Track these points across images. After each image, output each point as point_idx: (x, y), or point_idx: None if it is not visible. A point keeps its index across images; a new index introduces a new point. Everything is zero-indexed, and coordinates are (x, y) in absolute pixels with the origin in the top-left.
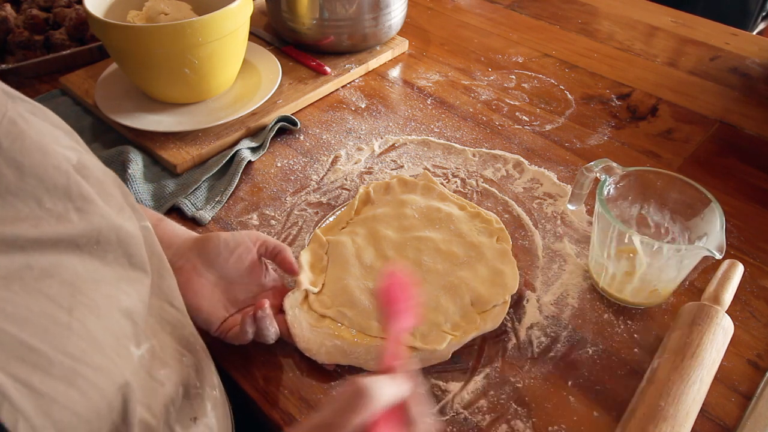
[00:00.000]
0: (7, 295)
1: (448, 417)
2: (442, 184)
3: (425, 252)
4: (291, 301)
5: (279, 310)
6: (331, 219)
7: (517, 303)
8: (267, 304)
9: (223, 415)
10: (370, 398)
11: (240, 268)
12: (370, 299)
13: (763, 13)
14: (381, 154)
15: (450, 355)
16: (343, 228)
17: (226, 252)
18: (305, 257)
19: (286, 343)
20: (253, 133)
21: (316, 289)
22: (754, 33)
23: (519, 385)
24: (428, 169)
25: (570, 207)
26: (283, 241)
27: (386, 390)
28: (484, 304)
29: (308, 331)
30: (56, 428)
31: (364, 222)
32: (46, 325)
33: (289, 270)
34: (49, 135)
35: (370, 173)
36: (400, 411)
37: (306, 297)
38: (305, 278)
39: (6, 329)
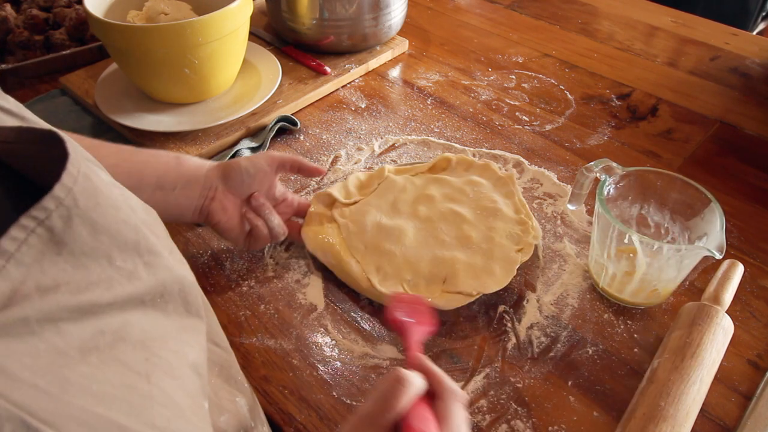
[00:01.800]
0: (89, 371)
1: None
2: None
3: (448, 222)
4: (318, 196)
5: (288, 219)
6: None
7: (517, 303)
8: (261, 196)
9: None
10: (410, 384)
11: (259, 189)
12: (377, 235)
13: (763, 13)
14: (381, 154)
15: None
16: (410, 174)
17: (249, 179)
18: (358, 176)
19: (285, 343)
20: (253, 133)
21: (342, 198)
22: (754, 33)
23: (519, 385)
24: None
25: (570, 207)
26: (283, 242)
27: (420, 379)
28: (453, 285)
29: (316, 225)
30: None
31: (428, 179)
32: (130, 399)
33: (315, 172)
34: (111, 184)
35: None
36: (429, 397)
37: (333, 203)
38: (340, 187)
39: (97, 412)
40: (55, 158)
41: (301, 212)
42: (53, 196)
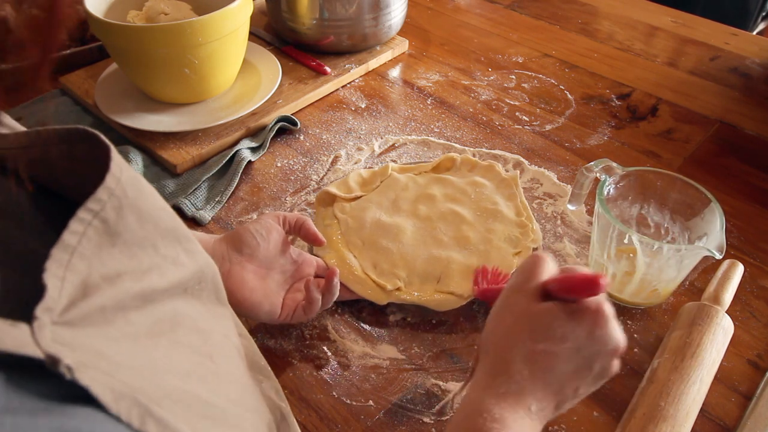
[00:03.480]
0: (164, 353)
1: (448, 417)
2: None
3: (447, 222)
4: (318, 196)
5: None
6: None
7: None
8: (337, 270)
9: None
10: (547, 258)
11: (276, 251)
12: (376, 232)
13: (763, 13)
14: (381, 154)
15: (385, 302)
16: (414, 173)
17: (263, 241)
18: (360, 172)
19: (285, 343)
20: (253, 133)
21: (342, 194)
22: (754, 33)
23: None
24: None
25: (570, 207)
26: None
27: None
28: (447, 285)
29: (317, 219)
30: None
31: (431, 178)
32: (205, 376)
33: (313, 240)
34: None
35: None
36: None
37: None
38: (339, 184)
39: (184, 388)
40: (78, 156)
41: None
42: (106, 187)
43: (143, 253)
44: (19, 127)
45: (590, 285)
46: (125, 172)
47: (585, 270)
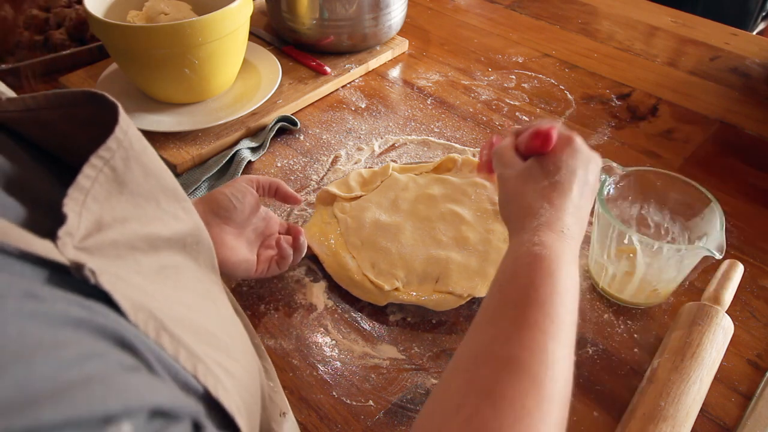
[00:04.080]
0: (172, 290)
1: None
2: None
3: (447, 222)
4: (319, 195)
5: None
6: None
7: None
8: (302, 230)
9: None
10: (502, 140)
11: (251, 213)
12: (375, 232)
13: (763, 13)
14: (381, 154)
15: (384, 303)
16: (415, 173)
17: (239, 204)
18: (360, 172)
19: (285, 343)
20: (253, 133)
21: (342, 193)
22: (754, 33)
23: None
24: None
25: None
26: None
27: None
28: (445, 285)
29: (317, 221)
30: (246, 410)
31: (431, 178)
32: (209, 313)
33: (291, 200)
34: None
35: None
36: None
37: (335, 200)
38: (339, 183)
39: (190, 316)
40: (81, 119)
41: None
42: (115, 138)
43: (147, 205)
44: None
45: (542, 137)
46: (131, 128)
47: (533, 128)
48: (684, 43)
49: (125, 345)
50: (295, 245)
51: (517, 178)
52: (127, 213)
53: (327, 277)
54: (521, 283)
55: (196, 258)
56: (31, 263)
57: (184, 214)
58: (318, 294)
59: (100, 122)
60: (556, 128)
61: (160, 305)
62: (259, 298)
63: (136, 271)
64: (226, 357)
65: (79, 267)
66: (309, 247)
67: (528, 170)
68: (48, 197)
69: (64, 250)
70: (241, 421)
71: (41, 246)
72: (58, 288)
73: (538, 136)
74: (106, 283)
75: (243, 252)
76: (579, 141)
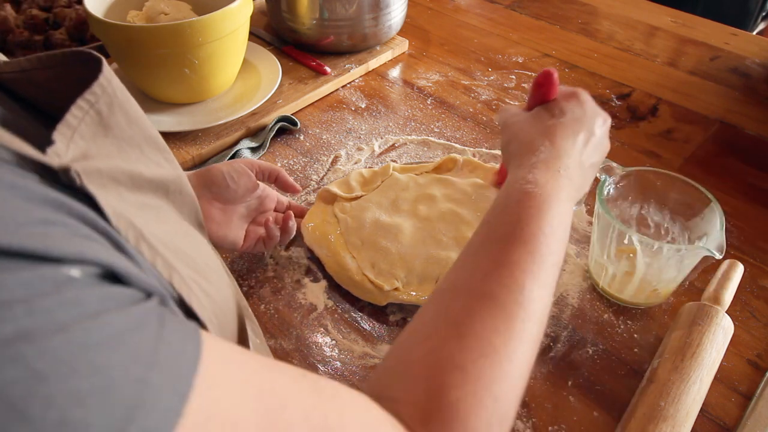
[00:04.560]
0: (150, 216)
1: None
2: None
3: (447, 222)
4: (320, 193)
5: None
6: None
7: None
8: (291, 214)
9: None
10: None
11: (245, 195)
12: (375, 232)
13: (763, 13)
14: (381, 154)
15: (384, 303)
16: (415, 173)
17: (232, 184)
18: (360, 172)
19: (285, 343)
20: (253, 133)
21: (343, 193)
22: (754, 33)
23: None
24: None
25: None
26: (284, 241)
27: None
28: None
29: (316, 220)
30: (219, 328)
31: (432, 179)
32: (189, 241)
33: (290, 189)
34: None
35: None
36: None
37: (335, 200)
38: (340, 183)
39: (167, 239)
40: (69, 78)
41: (297, 212)
42: (99, 84)
43: (131, 149)
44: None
45: (545, 76)
46: (114, 79)
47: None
48: (684, 43)
49: (100, 230)
50: (284, 227)
51: (521, 122)
52: (111, 152)
53: (327, 277)
54: (508, 219)
55: (180, 209)
56: (21, 167)
57: (166, 163)
58: (318, 294)
59: (89, 80)
60: (557, 74)
61: (140, 221)
62: (259, 298)
63: (119, 200)
64: (203, 278)
65: (66, 169)
66: (309, 248)
67: (534, 114)
68: (39, 141)
69: (52, 160)
70: (214, 333)
71: (32, 151)
72: (46, 185)
73: (542, 79)
74: (91, 185)
75: (230, 227)
76: (585, 94)
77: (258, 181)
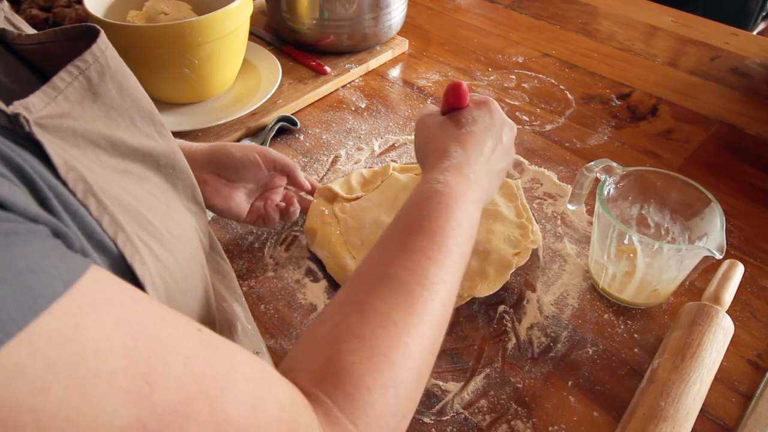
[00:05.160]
0: (123, 182)
1: (448, 417)
2: None
3: None
4: (320, 191)
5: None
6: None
7: (518, 303)
8: (295, 199)
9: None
10: (430, 107)
11: (251, 181)
12: (375, 232)
13: (763, 13)
14: (381, 154)
15: None
16: (415, 173)
17: (241, 170)
18: (361, 172)
19: (285, 343)
20: (253, 133)
21: (344, 193)
22: (754, 33)
23: (519, 386)
24: None
25: (570, 207)
26: (284, 241)
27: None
28: None
29: (316, 219)
30: (166, 292)
31: None
32: (155, 209)
33: (301, 187)
34: None
35: None
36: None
37: (335, 199)
38: (342, 183)
39: (131, 203)
40: (81, 50)
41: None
42: (91, 53)
43: (121, 118)
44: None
45: (455, 91)
46: (110, 50)
47: (447, 87)
48: (684, 43)
49: (22, 173)
50: (285, 210)
51: (436, 125)
52: (97, 118)
53: (327, 277)
54: (417, 213)
55: (174, 183)
56: None
57: (158, 137)
58: (318, 294)
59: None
60: (466, 84)
61: (100, 181)
62: (259, 298)
63: (94, 161)
64: (158, 244)
65: (16, 115)
66: (309, 249)
67: (447, 119)
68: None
69: (16, 109)
70: (153, 294)
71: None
72: None
73: (451, 91)
74: (41, 136)
75: (234, 201)
76: (495, 104)
77: (266, 171)
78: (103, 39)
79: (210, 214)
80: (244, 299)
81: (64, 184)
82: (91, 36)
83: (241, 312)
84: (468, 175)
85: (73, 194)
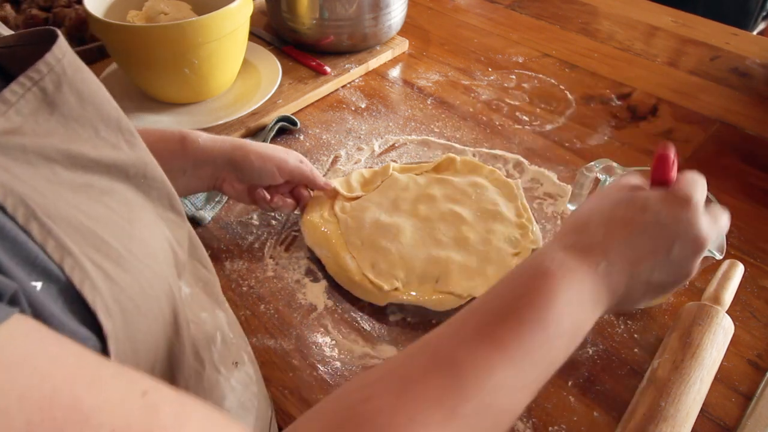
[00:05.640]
0: (79, 200)
1: None
2: None
3: (447, 222)
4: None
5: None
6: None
7: None
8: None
9: (257, 372)
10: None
11: (265, 183)
12: (375, 232)
13: (764, 13)
14: (381, 154)
15: (384, 303)
16: (415, 173)
17: (258, 179)
18: (361, 172)
19: (285, 343)
20: (253, 133)
21: (344, 192)
22: (754, 33)
23: None
24: None
25: (570, 207)
26: (283, 242)
27: None
28: (445, 285)
29: (316, 218)
30: (123, 315)
31: (432, 179)
32: (113, 227)
33: (317, 188)
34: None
35: None
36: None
37: (335, 197)
38: (342, 182)
39: (84, 223)
40: (40, 54)
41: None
42: (45, 62)
43: (82, 129)
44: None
45: (659, 160)
46: (68, 57)
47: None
48: (684, 43)
49: None
50: (283, 202)
51: (607, 196)
52: (54, 131)
53: (327, 277)
54: (509, 293)
55: (147, 192)
56: None
57: (126, 147)
58: (318, 294)
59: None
60: (673, 154)
61: (46, 203)
62: (259, 298)
63: (47, 178)
64: (115, 265)
65: None
66: (309, 249)
67: (625, 196)
68: None
69: None
70: (106, 321)
71: None
72: None
73: (656, 160)
74: (3, 158)
75: (246, 195)
76: (696, 209)
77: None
78: (60, 45)
79: (208, 217)
80: (227, 305)
81: (2, 209)
82: (52, 40)
83: (223, 319)
84: (598, 263)
85: (13, 220)
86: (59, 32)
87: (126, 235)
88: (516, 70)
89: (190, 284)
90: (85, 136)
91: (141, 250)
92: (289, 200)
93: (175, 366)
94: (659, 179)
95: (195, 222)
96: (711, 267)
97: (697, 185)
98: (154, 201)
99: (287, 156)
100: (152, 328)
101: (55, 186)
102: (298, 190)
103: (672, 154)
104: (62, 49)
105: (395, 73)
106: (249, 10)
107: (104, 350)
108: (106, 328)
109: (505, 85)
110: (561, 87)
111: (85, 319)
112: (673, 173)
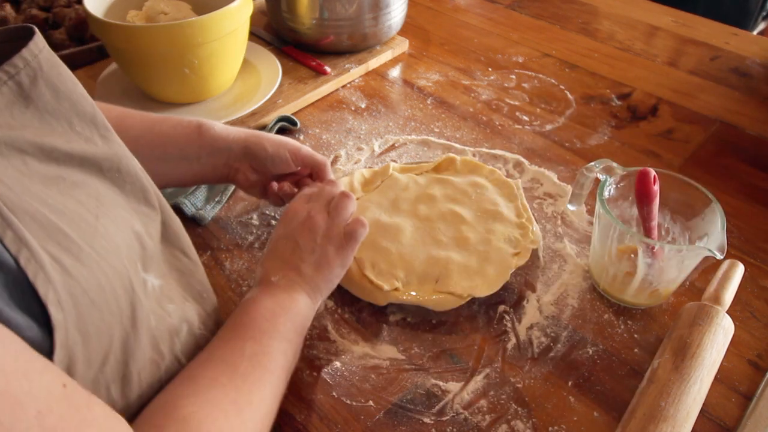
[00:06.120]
0: (47, 192)
1: (448, 417)
2: None
3: (447, 222)
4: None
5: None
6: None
7: (518, 303)
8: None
9: None
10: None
11: (279, 171)
12: (375, 232)
13: (764, 13)
14: (381, 154)
15: (384, 303)
16: (415, 173)
17: (271, 165)
18: (362, 173)
19: None
20: None
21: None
22: (755, 33)
23: (519, 386)
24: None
25: (570, 207)
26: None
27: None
28: (445, 285)
29: None
30: (76, 308)
31: (432, 179)
32: (78, 222)
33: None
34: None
35: None
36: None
37: None
38: (345, 183)
39: (46, 215)
40: (16, 51)
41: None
42: (21, 57)
43: (57, 123)
44: None
45: (641, 176)
46: (45, 53)
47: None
48: (684, 43)
49: None
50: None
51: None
52: (28, 123)
53: None
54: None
55: (121, 186)
56: None
57: (101, 141)
58: None
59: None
60: (653, 174)
61: (11, 195)
62: None
63: (18, 170)
64: (74, 259)
65: None
66: None
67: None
68: None
69: None
70: (57, 313)
71: None
72: None
73: (641, 178)
74: None
75: (259, 186)
76: (292, 207)
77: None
78: (36, 42)
79: (208, 217)
80: (209, 295)
81: None
82: (29, 37)
83: (193, 311)
84: (271, 278)
85: None
86: (36, 29)
87: (90, 230)
88: (516, 70)
89: (162, 275)
90: (60, 130)
91: (103, 244)
92: (297, 190)
93: (129, 356)
94: (642, 192)
95: (195, 222)
96: (711, 267)
97: (299, 198)
98: (128, 195)
99: (301, 144)
100: (107, 321)
101: (25, 177)
102: (304, 182)
103: (653, 172)
104: (39, 45)
105: (395, 73)
106: (249, 10)
107: (50, 338)
108: (55, 320)
109: (505, 85)
110: (561, 87)
111: (31, 309)
112: (656, 187)
